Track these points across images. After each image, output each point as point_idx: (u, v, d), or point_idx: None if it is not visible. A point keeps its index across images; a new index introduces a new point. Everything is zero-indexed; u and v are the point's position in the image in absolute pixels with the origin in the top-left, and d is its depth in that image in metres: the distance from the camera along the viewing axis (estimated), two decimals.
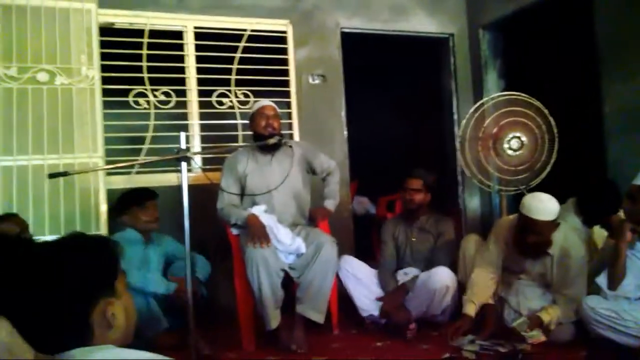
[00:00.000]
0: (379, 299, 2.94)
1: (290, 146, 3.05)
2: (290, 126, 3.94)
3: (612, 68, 3.29)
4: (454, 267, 2.97)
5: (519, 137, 3.48)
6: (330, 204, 3.09)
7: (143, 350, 0.90)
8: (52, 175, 2.08)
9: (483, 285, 2.72)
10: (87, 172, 3.09)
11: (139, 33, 3.56)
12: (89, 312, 0.87)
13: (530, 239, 2.54)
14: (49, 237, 2.99)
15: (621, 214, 2.84)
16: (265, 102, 3.07)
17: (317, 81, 4.03)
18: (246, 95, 3.80)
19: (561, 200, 3.04)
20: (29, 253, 0.89)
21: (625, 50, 3.21)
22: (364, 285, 3.01)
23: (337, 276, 2.97)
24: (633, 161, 3.11)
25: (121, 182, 3.38)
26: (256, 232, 2.68)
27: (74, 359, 0.84)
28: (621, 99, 3.24)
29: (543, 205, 2.51)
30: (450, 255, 3.02)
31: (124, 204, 2.90)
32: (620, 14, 3.23)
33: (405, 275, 3.00)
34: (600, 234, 2.97)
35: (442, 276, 2.82)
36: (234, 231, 2.87)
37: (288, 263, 2.78)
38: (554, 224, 2.56)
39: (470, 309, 2.65)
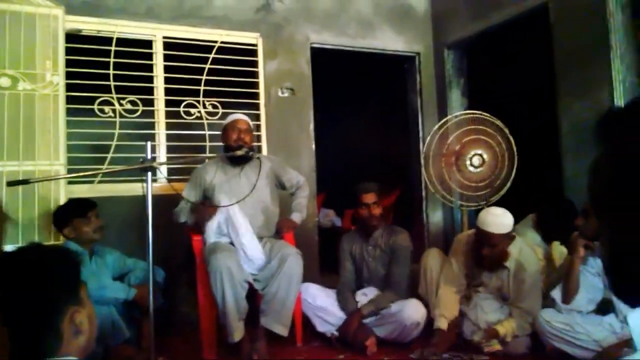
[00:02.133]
0: (337, 330, 2.91)
1: (259, 158, 3.06)
2: (258, 138, 3.96)
3: (569, 86, 3.42)
4: (412, 280, 3.02)
5: (480, 155, 3.59)
6: (296, 217, 3.11)
7: None
8: (11, 183, 2.03)
9: (451, 301, 2.79)
10: (48, 180, 3.03)
11: (107, 41, 3.53)
12: (60, 320, 0.88)
13: (486, 251, 2.64)
14: (6, 247, 2.91)
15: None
16: (238, 115, 3.09)
17: (286, 94, 4.07)
18: (215, 107, 3.80)
19: (520, 216, 3.16)
20: None
21: (581, 68, 3.34)
22: (325, 311, 2.98)
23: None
24: (593, 184, 3.25)
25: (83, 192, 3.33)
26: (201, 212, 2.82)
27: None
28: (577, 117, 3.37)
29: (497, 219, 2.61)
30: (406, 272, 3.00)
31: (65, 216, 2.78)
32: (577, 33, 3.36)
33: (364, 296, 2.98)
34: (559, 250, 3.09)
35: (413, 312, 2.79)
36: (210, 238, 2.86)
37: (252, 274, 2.78)
38: (508, 237, 2.65)
39: (443, 324, 2.71)
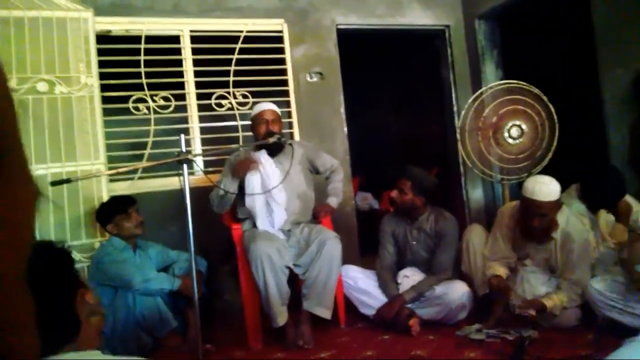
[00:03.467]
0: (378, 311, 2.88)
1: (291, 145, 3.06)
2: (290, 125, 3.96)
3: (610, 53, 3.27)
4: (457, 261, 2.96)
5: (519, 126, 3.47)
6: (333, 201, 3.09)
7: (137, 357, 0.95)
8: (55, 183, 2.10)
9: (498, 270, 2.72)
10: (89, 179, 3.12)
11: (136, 39, 3.59)
12: (73, 304, 0.93)
13: (535, 222, 2.54)
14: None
15: (627, 199, 2.84)
16: (264, 105, 3.06)
17: (314, 79, 4.04)
18: (245, 96, 3.81)
19: (563, 187, 3.04)
20: None
21: (622, 34, 3.19)
22: (367, 294, 2.95)
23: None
24: (634, 146, 3.10)
25: (124, 189, 3.41)
26: (242, 163, 2.85)
27: None
28: (620, 83, 3.22)
29: (545, 187, 2.51)
30: (452, 258, 2.92)
31: (107, 214, 2.88)
32: None
33: (405, 278, 2.93)
34: (605, 218, 2.96)
35: (459, 294, 2.74)
36: (229, 188, 2.90)
37: (292, 260, 2.80)
38: (557, 204, 2.55)
39: (499, 271, 2.66)
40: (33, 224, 0.36)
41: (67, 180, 2.15)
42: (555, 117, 3.35)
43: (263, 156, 2.93)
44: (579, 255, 2.56)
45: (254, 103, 3.23)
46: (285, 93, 3.98)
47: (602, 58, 3.33)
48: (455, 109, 4.45)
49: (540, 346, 2.32)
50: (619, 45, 3.22)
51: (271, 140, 2.84)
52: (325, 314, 2.74)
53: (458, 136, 3.80)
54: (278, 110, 3.08)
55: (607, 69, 3.30)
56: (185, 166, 2.43)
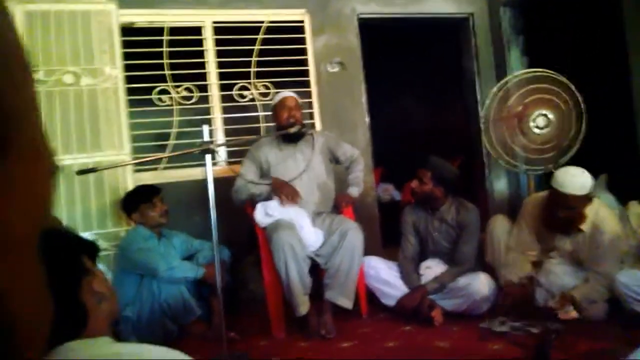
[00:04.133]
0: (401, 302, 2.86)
1: (312, 134, 3.06)
2: (311, 115, 3.95)
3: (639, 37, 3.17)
4: (480, 252, 2.93)
5: (545, 115, 3.40)
6: (354, 191, 3.09)
7: (162, 346, 0.93)
8: (81, 172, 2.15)
9: (521, 262, 2.70)
10: (114, 168, 3.17)
11: (159, 31, 3.62)
12: (78, 292, 0.93)
13: (563, 214, 2.49)
14: (84, 234, 3.09)
15: None
16: (286, 93, 3.08)
17: (336, 69, 4.02)
18: (267, 87, 3.82)
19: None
20: None
21: None
22: (388, 285, 2.94)
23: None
24: None
25: (149, 179, 3.45)
26: (285, 189, 2.80)
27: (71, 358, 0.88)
28: None
29: (576, 180, 2.46)
30: (474, 248, 2.89)
31: (132, 203, 2.93)
32: None
33: (427, 269, 2.92)
34: (636, 210, 2.89)
35: (483, 286, 2.71)
36: (260, 221, 2.88)
37: (314, 250, 2.81)
38: (587, 198, 2.50)
39: (513, 277, 2.67)
40: (48, 196, 0.36)
41: (93, 170, 2.18)
42: (582, 105, 3.27)
43: (301, 214, 2.87)
44: (608, 248, 2.50)
45: (276, 94, 3.22)
46: (307, 83, 3.97)
47: (631, 43, 3.23)
48: (479, 98, 4.38)
49: (566, 340, 2.29)
50: None
51: (292, 130, 2.85)
52: (347, 304, 2.74)
53: (482, 126, 3.74)
54: (299, 98, 3.08)
55: (637, 54, 3.20)
56: (208, 156, 2.45)
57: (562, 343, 2.22)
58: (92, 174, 3.19)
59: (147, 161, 3.13)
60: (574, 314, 2.43)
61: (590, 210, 2.54)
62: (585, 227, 2.55)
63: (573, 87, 3.29)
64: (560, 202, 2.48)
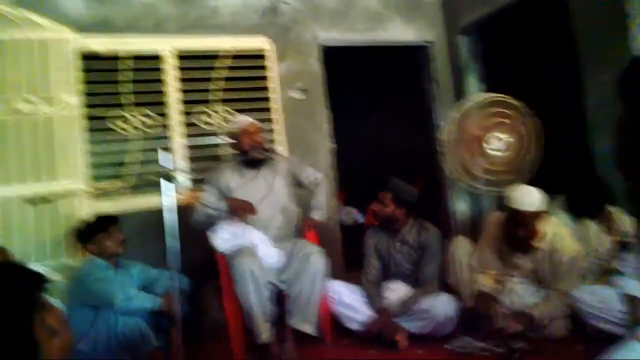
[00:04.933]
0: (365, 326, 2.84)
1: (274, 159, 3.05)
2: (273, 141, 3.95)
3: (592, 59, 3.29)
4: (443, 273, 2.93)
5: (503, 139, 3.48)
6: (317, 214, 3.06)
7: None
8: (34, 203, 2.06)
9: (486, 283, 2.70)
10: (70, 197, 3.08)
11: (119, 58, 3.58)
12: (32, 328, 0.92)
13: (520, 231, 2.53)
14: (34, 265, 2.97)
15: (611, 209, 2.85)
16: (245, 119, 3.09)
17: (298, 95, 4.04)
18: (230, 113, 3.81)
19: (549, 197, 3.04)
20: None
21: (603, 38, 3.20)
22: (351, 308, 2.91)
23: None
24: (620, 146, 3.10)
25: (107, 208, 3.36)
26: (239, 205, 2.78)
27: None
28: (603, 91, 3.23)
29: (529, 197, 2.52)
30: (437, 269, 2.90)
31: (87, 232, 2.82)
32: (597, 3, 3.25)
33: (391, 291, 2.91)
34: (593, 228, 2.96)
35: (446, 307, 2.72)
36: (220, 246, 2.83)
37: (276, 276, 2.76)
38: (542, 214, 2.55)
39: (485, 287, 2.66)
40: None
41: (46, 200, 2.11)
42: (539, 129, 3.36)
43: (256, 233, 2.85)
44: (568, 265, 2.54)
45: (234, 120, 3.21)
46: (269, 109, 3.98)
47: (584, 63, 3.36)
48: (439, 121, 4.47)
49: (530, 358, 2.28)
50: (600, 49, 3.24)
51: (258, 156, 2.85)
52: (310, 329, 2.69)
53: (442, 149, 3.80)
54: (258, 123, 3.08)
55: (590, 76, 3.32)
56: (164, 182, 2.41)
57: None
58: (46, 203, 3.10)
59: (102, 189, 3.02)
60: (517, 326, 2.43)
61: (548, 229, 2.59)
62: (543, 245, 2.59)
63: (529, 111, 3.39)
64: (516, 220, 2.52)
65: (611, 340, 2.24)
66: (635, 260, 2.23)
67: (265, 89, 3.97)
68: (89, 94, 3.41)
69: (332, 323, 2.95)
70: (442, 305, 2.72)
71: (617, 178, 2.68)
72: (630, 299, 2.23)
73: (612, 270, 2.48)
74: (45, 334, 0.93)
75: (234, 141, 3.06)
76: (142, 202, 3.50)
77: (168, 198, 2.40)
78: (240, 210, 2.78)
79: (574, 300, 2.45)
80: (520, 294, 2.67)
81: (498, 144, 3.49)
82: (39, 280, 1.00)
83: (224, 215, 2.83)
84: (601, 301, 2.30)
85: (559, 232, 2.63)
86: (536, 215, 2.53)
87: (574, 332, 2.52)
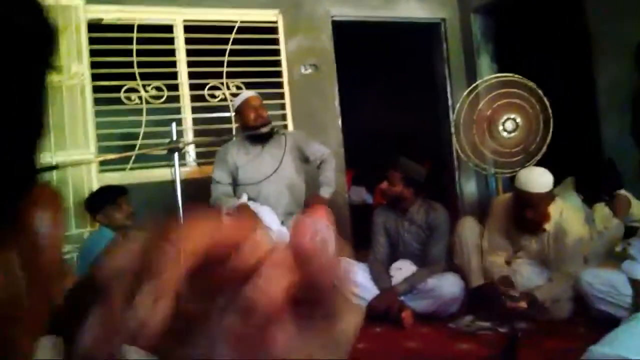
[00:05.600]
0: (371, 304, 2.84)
1: (283, 134, 3.03)
2: (283, 117, 3.93)
3: (604, 43, 3.27)
4: (449, 254, 2.94)
5: (513, 119, 3.46)
6: (325, 192, 3.05)
7: None
8: (40, 170, 2.06)
9: (500, 268, 2.72)
10: (79, 167, 3.09)
11: (129, 28, 3.54)
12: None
13: (528, 213, 2.53)
14: None
15: (624, 192, 2.84)
16: (249, 93, 3.06)
17: (309, 71, 4.01)
18: (239, 88, 3.78)
19: (558, 180, 3.04)
20: None
21: (616, 24, 3.17)
22: (359, 287, 2.89)
23: None
24: (627, 137, 3.09)
25: (115, 179, 3.36)
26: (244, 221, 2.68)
27: None
28: (613, 76, 3.21)
29: (538, 178, 2.51)
30: (444, 250, 2.91)
31: (96, 203, 2.82)
32: None
33: (398, 270, 2.92)
34: (601, 212, 2.96)
35: (452, 286, 2.74)
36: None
37: None
38: (550, 196, 2.55)
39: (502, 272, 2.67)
40: None
41: (54, 167, 2.11)
42: (549, 110, 3.34)
43: (267, 213, 2.82)
44: (572, 248, 2.55)
45: (238, 95, 3.18)
46: (279, 85, 3.95)
47: (596, 48, 3.33)
48: (450, 102, 4.43)
49: (534, 338, 2.31)
50: (612, 34, 3.20)
51: (263, 130, 2.82)
52: None
53: (452, 129, 3.78)
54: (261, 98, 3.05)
55: (601, 60, 3.29)
56: (176, 155, 2.41)
57: (529, 341, 2.24)
58: (56, 174, 3.10)
59: (112, 160, 3.02)
60: (522, 304, 2.45)
61: (554, 211, 2.59)
62: (549, 227, 2.59)
63: (540, 92, 3.36)
64: (524, 202, 2.53)
65: (616, 324, 2.28)
66: None
67: (276, 63, 3.93)
68: (99, 65, 3.38)
69: None
70: (447, 285, 2.74)
71: (626, 162, 2.69)
72: (637, 284, 2.24)
73: (621, 254, 2.49)
74: None
75: (238, 115, 3.03)
76: (151, 174, 3.50)
77: (177, 169, 2.39)
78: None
79: (579, 283, 2.46)
80: (525, 275, 2.69)
81: (508, 124, 3.47)
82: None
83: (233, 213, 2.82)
84: (608, 284, 2.31)
85: (566, 214, 2.63)
86: (544, 197, 2.53)
87: (577, 315, 2.54)
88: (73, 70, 3.25)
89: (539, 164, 3.35)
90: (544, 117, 3.37)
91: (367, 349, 2.44)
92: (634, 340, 0.51)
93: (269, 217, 2.76)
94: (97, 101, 3.36)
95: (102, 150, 3.37)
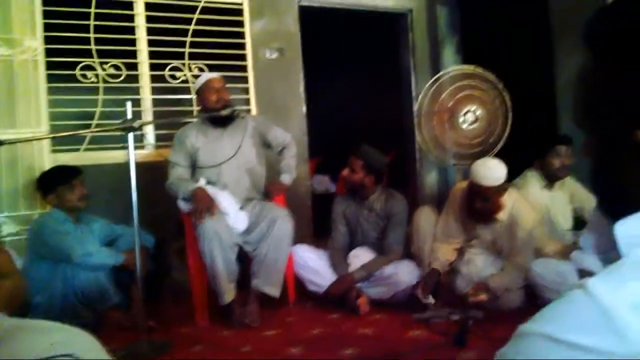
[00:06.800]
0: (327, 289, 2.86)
1: (243, 117, 2.98)
2: (247, 102, 3.87)
3: (565, 39, 3.33)
4: (406, 243, 2.97)
5: (473, 111, 3.51)
6: (286, 178, 3.03)
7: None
8: None
9: (445, 250, 2.77)
10: (30, 147, 2.96)
11: (87, 3, 3.40)
12: None
13: (480, 205, 2.58)
14: None
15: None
16: (211, 74, 2.98)
17: (274, 55, 3.95)
18: (201, 70, 3.69)
19: (516, 173, 3.08)
20: None
21: (577, 20, 3.24)
22: (316, 273, 2.92)
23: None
24: (584, 134, 3.17)
25: (69, 160, 3.24)
26: (200, 205, 2.63)
27: None
28: (573, 72, 3.28)
29: (490, 172, 2.54)
30: (401, 238, 2.92)
31: (49, 183, 2.71)
32: None
33: (355, 257, 2.92)
34: (571, 187, 3.01)
35: (407, 274, 2.76)
36: (183, 207, 2.79)
37: (242, 238, 2.74)
38: (501, 189, 2.59)
39: (436, 265, 2.72)
40: None
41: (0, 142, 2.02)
42: (508, 103, 3.40)
43: (225, 197, 2.76)
44: (524, 238, 2.61)
45: (200, 76, 3.10)
46: (243, 68, 3.88)
47: (557, 44, 3.39)
48: (414, 93, 4.46)
49: (484, 326, 2.36)
50: (574, 30, 3.26)
51: (224, 112, 2.75)
52: (274, 292, 2.71)
53: (415, 121, 3.81)
54: (223, 79, 2.98)
55: (562, 54, 3.36)
56: (130, 135, 2.34)
57: (479, 329, 2.29)
58: (4, 152, 2.97)
59: (62, 136, 2.87)
60: (483, 297, 2.50)
61: (508, 200, 2.64)
62: (502, 216, 2.64)
63: (501, 86, 3.42)
64: (477, 193, 2.57)
65: None
66: (595, 236, 2.29)
67: (240, 46, 3.86)
68: (54, 40, 3.23)
69: (296, 286, 2.97)
70: (403, 273, 2.77)
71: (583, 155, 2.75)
72: (586, 275, 2.31)
73: (572, 245, 2.56)
74: None
75: (199, 97, 2.97)
76: (106, 155, 3.40)
77: (131, 150, 2.33)
78: (201, 207, 2.62)
79: (530, 273, 2.53)
80: (478, 264, 2.74)
81: (468, 116, 3.52)
82: None
83: (188, 197, 2.75)
84: (558, 275, 2.38)
85: (518, 203, 2.68)
86: (497, 190, 2.58)
87: (527, 304, 2.61)
88: (26, 44, 3.11)
89: (498, 155, 3.42)
90: (503, 110, 3.44)
91: (320, 335, 2.45)
92: (562, 317, 0.52)
93: (227, 202, 2.72)
94: (50, 78, 3.22)
95: (55, 130, 3.24)
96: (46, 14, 3.19)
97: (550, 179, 2.93)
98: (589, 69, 0.65)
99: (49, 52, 3.20)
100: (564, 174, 2.89)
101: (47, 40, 3.19)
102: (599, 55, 0.64)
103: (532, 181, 2.95)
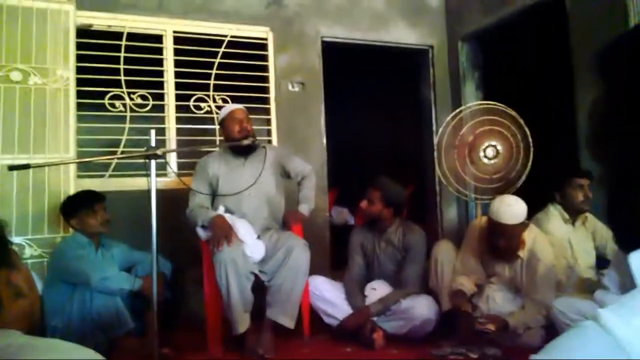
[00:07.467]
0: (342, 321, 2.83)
1: (264, 147, 3.03)
2: (268, 132, 3.93)
3: (586, 77, 3.33)
4: (425, 277, 2.92)
5: (494, 146, 3.49)
6: (304, 208, 3.04)
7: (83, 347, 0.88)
8: (13, 168, 2.04)
9: (468, 283, 2.71)
10: (58, 172, 3.05)
11: (118, 35, 3.55)
12: None
13: (500, 242, 2.53)
14: (15, 239, 2.93)
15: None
16: (234, 105, 3.05)
17: (296, 88, 4.03)
18: (225, 101, 3.79)
19: (537, 208, 3.04)
20: None
21: (597, 56, 3.24)
22: (332, 305, 2.90)
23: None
24: (607, 169, 3.13)
25: (94, 186, 3.32)
26: (219, 233, 2.64)
27: None
28: (593, 108, 3.26)
29: (510, 209, 2.51)
30: (419, 271, 2.88)
31: (72, 207, 2.78)
32: (594, 23, 3.28)
33: (373, 290, 2.88)
34: (596, 228, 2.97)
35: (425, 309, 2.71)
36: (202, 235, 2.81)
37: (258, 267, 2.74)
38: (522, 226, 2.55)
39: (462, 288, 2.67)
40: None
41: (27, 166, 2.08)
42: (530, 139, 3.38)
43: (243, 226, 2.79)
44: (544, 275, 2.55)
45: (224, 107, 3.18)
46: (266, 100, 3.97)
47: (578, 81, 3.39)
48: (434, 127, 4.48)
49: None
50: (594, 68, 3.26)
51: (245, 142, 2.80)
52: (289, 323, 2.68)
53: (435, 154, 3.80)
54: (246, 111, 3.04)
55: (583, 91, 3.35)
56: (152, 163, 2.39)
57: None
58: (32, 176, 3.06)
59: (87, 162, 2.94)
60: (491, 327, 2.43)
61: (528, 237, 2.60)
62: (522, 253, 2.59)
63: (521, 121, 3.40)
64: (496, 231, 2.53)
65: None
66: (619, 275, 2.23)
67: (263, 79, 3.95)
68: (85, 70, 3.37)
69: (311, 318, 2.94)
70: (421, 307, 2.72)
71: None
72: None
73: (595, 283, 2.50)
74: (8, 291, 0.90)
75: (222, 127, 3.03)
76: (130, 182, 3.48)
77: (153, 177, 2.38)
78: (219, 235, 2.64)
79: (550, 311, 2.46)
80: (498, 301, 2.68)
81: (489, 151, 3.50)
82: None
83: (207, 224, 2.77)
84: (579, 314, 2.31)
85: (538, 240, 2.64)
86: (517, 228, 2.54)
87: (548, 342, 2.52)
88: (58, 74, 3.24)
89: (518, 192, 3.38)
90: (524, 145, 3.41)
91: None
92: (574, 347, 0.51)
93: (244, 230, 2.74)
94: (80, 106, 3.34)
95: (82, 155, 3.34)
96: (79, 46, 3.33)
97: (572, 212, 2.89)
98: (605, 99, 0.66)
99: (79, 82, 3.33)
100: (586, 206, 2.85)
101: (79, 70, 3.32)
102: (616, 82, 0.65)
103: (555, 214, 2.92)
